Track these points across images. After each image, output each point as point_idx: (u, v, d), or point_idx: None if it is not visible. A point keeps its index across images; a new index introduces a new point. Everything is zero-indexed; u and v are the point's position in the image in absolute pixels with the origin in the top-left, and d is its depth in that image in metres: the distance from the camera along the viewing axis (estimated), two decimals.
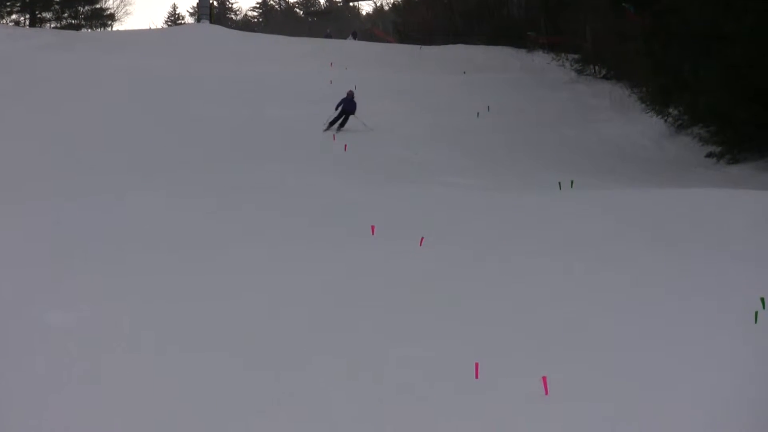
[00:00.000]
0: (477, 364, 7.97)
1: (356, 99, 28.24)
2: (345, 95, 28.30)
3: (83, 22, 60.58)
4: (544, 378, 7.55)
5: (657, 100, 32.11)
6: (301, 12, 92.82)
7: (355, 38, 57.06)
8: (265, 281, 11.89)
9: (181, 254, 13.32)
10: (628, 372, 8.14)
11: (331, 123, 27.76)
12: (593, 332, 9.51)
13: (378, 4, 66.03)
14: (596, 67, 41.02)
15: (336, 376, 8.16)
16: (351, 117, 27.86)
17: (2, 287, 11.18)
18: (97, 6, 61.45)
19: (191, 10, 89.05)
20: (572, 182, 21.35)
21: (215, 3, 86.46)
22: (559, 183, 20.97)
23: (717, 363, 8.33)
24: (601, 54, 39.98)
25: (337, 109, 28.03)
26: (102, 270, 12.20)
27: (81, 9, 60.54)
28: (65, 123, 27.20)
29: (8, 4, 58.11)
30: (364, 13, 72.90)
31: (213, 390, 7.77)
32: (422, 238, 14.23)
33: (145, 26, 77.38)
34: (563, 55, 42.48)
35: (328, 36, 59.60)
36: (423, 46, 48.76)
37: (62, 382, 7.91)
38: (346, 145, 26.08)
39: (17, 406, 7.36)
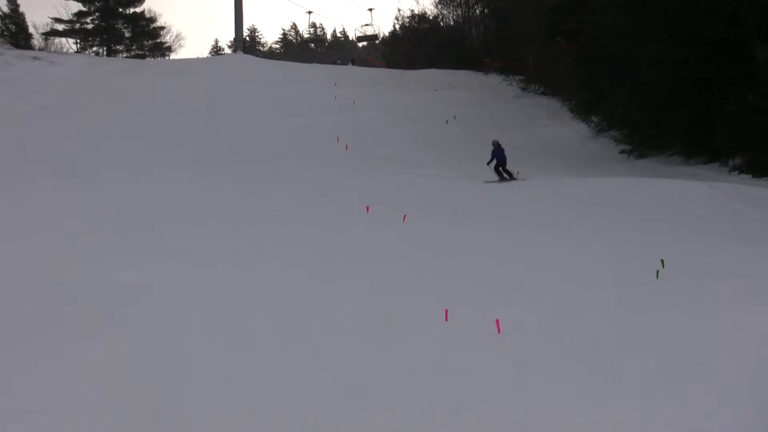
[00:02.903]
0: (447, 311, 7.90)
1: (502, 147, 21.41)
2: (493, 147, 21.39)
3: (147, 53, 60.34)
4: (497, 320, 7.49)
5: (582, 110, 32.28)
6: (312, 44, 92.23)
7: (353, 64, 56.82)
8: (281, 250, 11.78)
9: (219, 227, 13.23)
10: (560, 315, 8.07)
11: (499, 174, 20.94)
12: (535, 284, 9.45)
13: (377, 42, 65.60)
14: (536, 86, 41.10)
15: (333, 318, 8.08)
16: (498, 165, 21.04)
17: (79, 251, 11.08)
18: (158, 41, 61.24)
19: (229, 44, 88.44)
20: (518, 172, 21.33)
21: (247, 38, 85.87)
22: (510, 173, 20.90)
23: (629, 308, 8.28)
24: (540, 75, 40.02)
25: (490, 163, 21.18)
26: (158, 238, 12.09)
27: (145, 43, 60.41)
28: (133, 128, 27.04)
29: (90, 39, 57.92)
30: (360, 45, 72.31)
31: (247, 329, 7.68)
32: (405, 215, 14.16)
33: (194, 56, 76.80)
34: (511, 76, 42.55)
35: (334, 62, 59.33)
36: (405, 70, 48.70)
37: (133, 326, 7.81)
38: (347, 146, 25.98)
39: (98, 345, 7.26)
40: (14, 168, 19.91)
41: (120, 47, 59.52)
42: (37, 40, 55.61)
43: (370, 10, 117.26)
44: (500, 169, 21.04)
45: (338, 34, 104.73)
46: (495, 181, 20.39)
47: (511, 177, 20.94)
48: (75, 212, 14.42)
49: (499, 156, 21.11)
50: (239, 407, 5.78)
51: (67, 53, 49.70)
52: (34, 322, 7.89)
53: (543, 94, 40.01)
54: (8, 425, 5.53)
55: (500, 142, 21.57)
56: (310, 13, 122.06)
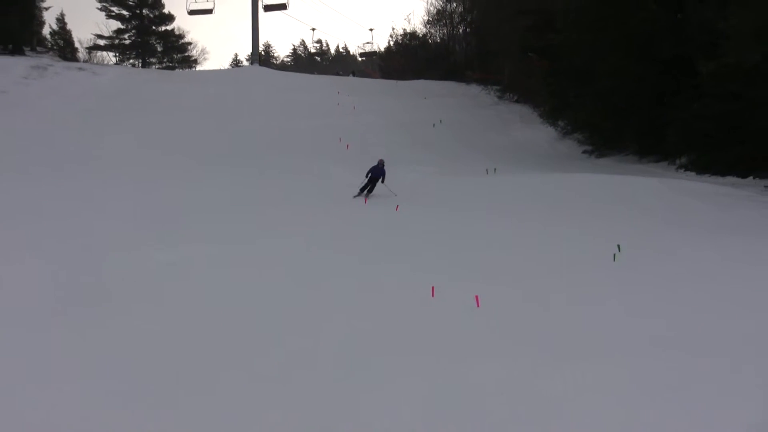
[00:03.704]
0: (433, 288, 7.90)
1: (386, 166, 17.81)
2: (376, 163, 18.01)
3: (176, 64, 60.06)
4: (476, 296, 7.50)
5: (550, 115, 32.15)
6: (318, 58, 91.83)
7: (353, 75, 56.49)
8: (293, 231, 11.78)
9: (240, 214, 13.22)
10: (532, 292, 8.09)
11: (362, 189, 17.50)
12: (508, 265, 9.46)
13: (374, 57, 65.18)
14: (511, 94, 40.90)
15: (334, 289, 8.08)
16: (378, 183, 17.48)
17: (124, 236, 11.07)
18: (185, 54, 60.97)
19: (247, 57, 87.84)
20: (495, 169, 21.30)
21: (262, 53, 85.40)
22: (486, 170, 20.87)
23: (590, 287, 8.31)
24: (514, 85, 39.87)
25: (367, 176, 17.63)
26: (190, 225, 12.08)
27: (175, 56, 60.11)
28: (164, 129, 26.87)
29: (127, 52, 57.80)
30: (360, 59, 72.05)
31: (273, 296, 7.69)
32: (397, 206, 14.16)
33: (216, 67, 76.46)
34: (489, 86, 42.36)
35: (336, 74, 58.98)
36: (399, 81, 48.42)
37: (170, 299, 7.84)
38: (348, 145, 25.90)
39: (142, 317, 7.27)
40: (58, 163, 19.80)
41: (153, 60, 59.25)
42: (81, 54, 55.65)
43: (371, 30, 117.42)
44: (366, 183, 17.51)
45: (341, 50, 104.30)
46: (355, 195, 17.32)
47: (361, 193, 17.35)
48: (114, 201, 14.37)
49: (373, 173, 17.55)
50: (250, 387, 5.77)
51: (107, 65, 49.44)
52: (80, 294, 7.90)
53: (517, 101, 39.84)
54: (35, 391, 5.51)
55: (384, 164, 17.87)
56: (314, 30, 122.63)
